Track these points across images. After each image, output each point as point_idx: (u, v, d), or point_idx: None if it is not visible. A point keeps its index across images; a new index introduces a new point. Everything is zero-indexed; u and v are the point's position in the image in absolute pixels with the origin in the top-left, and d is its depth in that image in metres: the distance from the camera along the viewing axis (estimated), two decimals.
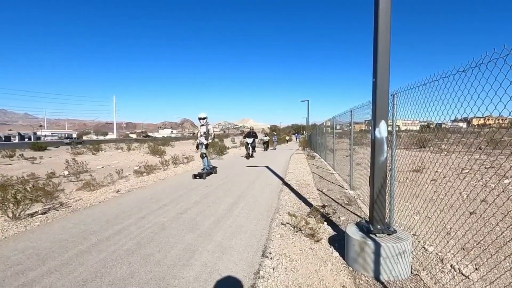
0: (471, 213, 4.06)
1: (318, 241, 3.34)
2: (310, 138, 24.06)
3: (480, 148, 7.90)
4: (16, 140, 50.54)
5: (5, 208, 4.14)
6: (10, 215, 4.14)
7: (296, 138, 42.97)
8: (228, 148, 20.54)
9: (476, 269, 2.73)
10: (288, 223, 3.92)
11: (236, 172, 9.08)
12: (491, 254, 2.98)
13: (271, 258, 2.92)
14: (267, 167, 10.18)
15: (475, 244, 3.25)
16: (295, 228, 3.68)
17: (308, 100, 35.96)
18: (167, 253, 3.02)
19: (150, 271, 2.64)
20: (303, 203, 5.15)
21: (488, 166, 6.81)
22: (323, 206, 4.93)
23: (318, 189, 6.46)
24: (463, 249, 3.14)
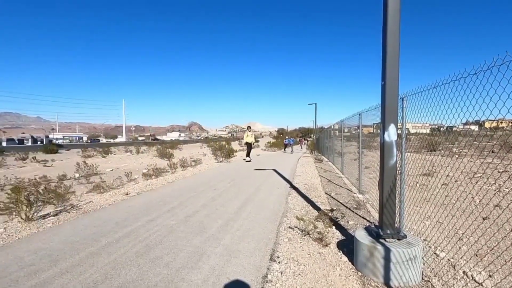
0: (484, 219, 3.96)
1: (326, 245, 3.31)
2: (318, 141, 23.94)
3: (493, 152, 7.73)
4: (29, 143, 51.85)
5: (19, 209, 4.24)
6: (23, 216, 4.24)
7: (286, 146, 24.29)
8: (236, 151, 20.59)
9: (489, 276, 2.66)
10: (296, 227, 3.90)
11: (244, 175, 9.09)
12: (505, 261, 2.90)
13: (279, 262, 2.91)
14: (275, 170, 10.17)
15: (488, 250, 3.17)
16: (303, 232, 3.65)
17: (315, 103, 35.89)
18: (175, 256, 3.04)
19: (159, 274, 2.66)
20: (311, 207, 5.12)
21: (501, 170, 6.65)
22: (332, 210, 4.88)
23: (326, 193, 6.41)
24: (476, 255, 3.06)
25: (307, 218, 3.92)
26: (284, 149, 24.82)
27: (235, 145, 31.04)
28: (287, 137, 30.92)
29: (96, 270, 2.73)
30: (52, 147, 25.00)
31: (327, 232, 3.56)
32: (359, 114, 6.32)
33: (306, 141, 41.03)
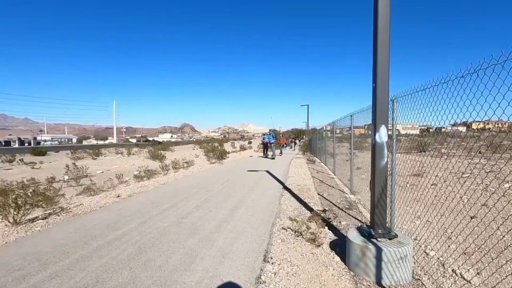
0: (471, 218, 4.06)
1: (319, 245, 3.34)
2: (310, 142, 24.11)
3: (480, 152, 7.93)
4: (16, 145, 50.64)
5: (6, 213, 4.14)
6: (11, 220, 4.13)
7: (267, 147, 17.27)
8: (228, 153, 20.54)
9: (477, 273, 2.72)
10: (289, 228, 3.92)
11: (237, 176, 9.08)
12: (492, 258, 2.98)
13: (272, 263, 2.92)
14: (268, 171, 10.19)
15: (476, 249, 3.25)
16: (296, 233, 3.67)
17: (308, 105, 36.13)
18: (168, 258, 3.01)
19: (152, 276, 2.64)
20: (304, 208, 5.15)
21: (488, 170, 6.83)
22: (324, 211, 4.93)
23: (318, 194, 6.46)
24: (465, 253, 3.14)
25: (300, 219, 3.94)
26: (265, 152, 17.41)
27: (227, 146, 30.99)
28: (266, 133, 18.30)
29: (87, 274, 2.68)
30: (40, 149, 24.44)
31: (320, 233, 3.59)
32: (351, 116, 6.40)
33: (293, 143, 33.60)
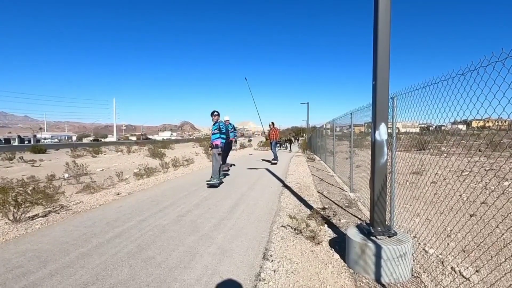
0: (471, 215, 4.06)
1: (319, 243, 3.35)
2: (310, 140, 24.09)
3: (479, 150, 7.92)
4: (16, 143, 50.68)
5: (6, 211, 4.14)
6: (11, 217, 4.14)
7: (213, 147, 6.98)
8: None
9: (476, 271, 2.73)
10: (288, 226, 3.92)
11: (237, 174, 9.08)
12: (491, 256, 2.99)
13: (272, 261, 2.93)
14: (267, 169, 10.19)
15: (475, 246, 3.26)
16: (296, 231, 3.68)
17: (307, 103, 36.12)
18: (168, 256, 3.02)
19: (151, 274, 2.64)
20: (303, 206, 5.16)
21: (487, 168, 6.83)
22: (324, 209, 4.93)
23: (318, 192, 6.46)
24: (464, 251, 3.15)
25: (300, 216, 3.95)
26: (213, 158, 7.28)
27: None
28: (213, 117, 7.28)
29: (87, 271, 2.69)
30: (40, 147, 24.44)
31: (319, 230, 3.59)
32: (351, 114, 6.39)
33: (289, 141, 25.10)
